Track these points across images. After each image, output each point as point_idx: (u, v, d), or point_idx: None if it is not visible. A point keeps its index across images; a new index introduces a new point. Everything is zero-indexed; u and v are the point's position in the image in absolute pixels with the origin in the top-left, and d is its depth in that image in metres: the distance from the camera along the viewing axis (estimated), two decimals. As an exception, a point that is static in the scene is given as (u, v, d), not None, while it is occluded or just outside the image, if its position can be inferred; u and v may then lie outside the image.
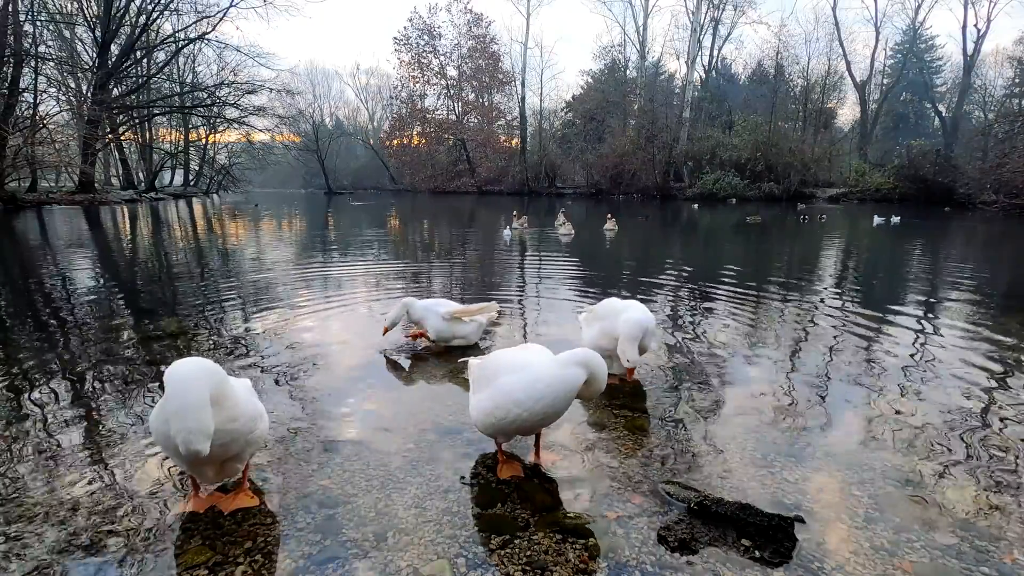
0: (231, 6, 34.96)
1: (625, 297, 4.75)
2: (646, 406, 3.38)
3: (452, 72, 56.12)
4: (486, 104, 57.45)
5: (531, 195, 46.04)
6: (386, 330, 4.42)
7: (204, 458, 2.08)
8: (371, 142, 69.62)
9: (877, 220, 18.87)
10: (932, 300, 6.78)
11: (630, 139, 43.81)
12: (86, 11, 32.82)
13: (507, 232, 13.58)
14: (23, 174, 29.48)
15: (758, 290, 7.20)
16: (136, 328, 5.14)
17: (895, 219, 19.09)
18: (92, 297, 6.62)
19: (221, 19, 35.07)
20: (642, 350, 3.59)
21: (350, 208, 29.60)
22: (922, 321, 5.64)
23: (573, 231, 13.90)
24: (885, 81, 48.96)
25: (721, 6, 46.73)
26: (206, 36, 36.20)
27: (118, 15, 32.65)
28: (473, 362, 2.77)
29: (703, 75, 50.25)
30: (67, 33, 32.44)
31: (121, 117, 37.08)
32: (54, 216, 21.13)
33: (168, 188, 45.93)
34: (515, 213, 14.91)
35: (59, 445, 2.79)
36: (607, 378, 2.55)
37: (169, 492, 2.39)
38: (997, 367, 4.16)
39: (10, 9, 25.28)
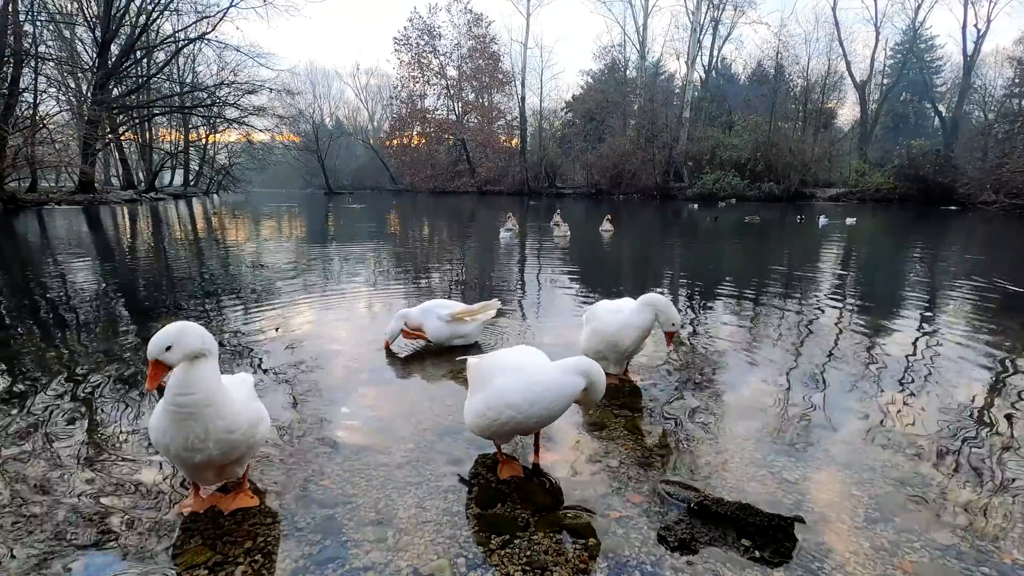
0: (231, 6, 34.99)
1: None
2: (646, 406, 3.38)
3: (452, 72, 56.15)
4: (486, 104, 57.40)
5: (531, 195, 46.02)
6: (387, 344, 4.41)
7: (203, 463, 2.08)
8: (371, 142, 69.59)
9: (823, 222, 18.92)
10: (931, 300, 6.78)
11: (630, 139, 43.81)
12: (86, 11, 32.85)
13: (504, 234, 13.46)
14: (23, 174, 29.49)
15: (757, 289, 7.20)
16: (136, 328, 5.14)
17: (850, 220, 19.02)
18: (92, 297, 6.62)
19: (221, 19, 35.11)
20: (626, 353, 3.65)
21: (351, 210, 29.52)
22: (921, 321, 5.64)
23: (569, 232, 13.88)
24: (885, 81, 48.95)
25: (721, 6, 46.73)
26: (206, 36, 36.21)
27: (118, 15, 32.64)
28: (471, 361, 2.75)
29: (703, 75, 50.26)
30: (67, 33, 32.44)
31: (121, 117, 37.07)
32: (54, 216, 21.13)
33: (168, 188, 45.92)
34: (508, 215, 14.88)
35: (59, 445, 2.79)
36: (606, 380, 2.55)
37: (169, 492, 2.39)
38: (997, 367, 4.16)
39: (10, 9, 25.27)
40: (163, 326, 2.02)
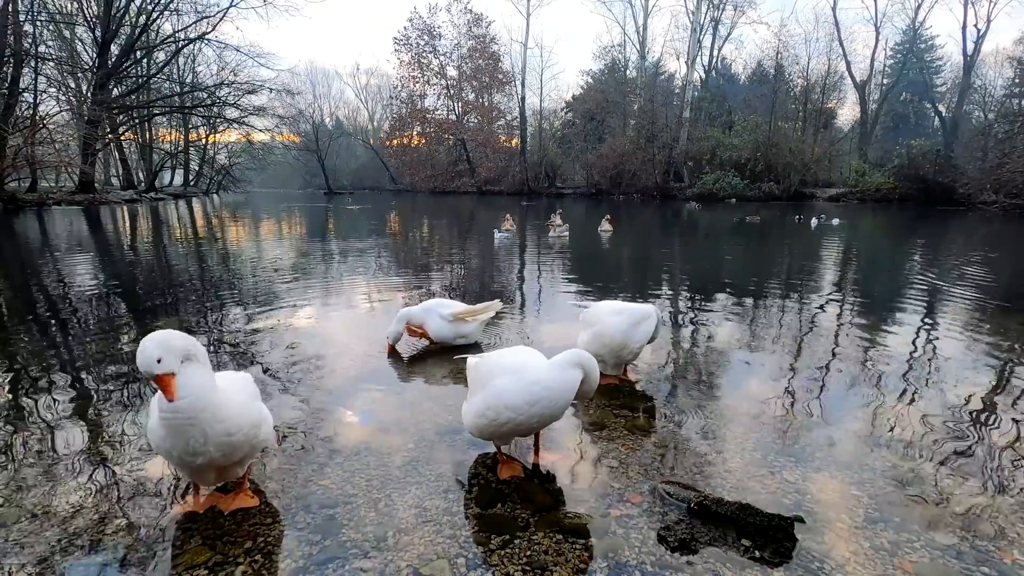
0: (231, 6, 34.95)
1: (624, 298, 4.74)
2: (646, 406, 3.38)
3: (452, 72, 56.05)
4: (486, 104, 57.32)
5: (529, 195, 46.01)
6: (389, 347, 4.39)
7: (205, 465, 2.08)
8: (371, 142, 69.57)
9: (815, 222, 19.09)
10: (931, 300, 6.78)
11: (630, 139, 43.78)
12: (86, 11, 32.80)
13: (499, 235, 13.35)
14: (23, 174, 29.46)
15: (756, 288, 7.20)
16: (136, 328, 5.14)
17: (835, 221, 19.32)
18: (92, 297, 6.62)
19: (221, 19, 35.05)
20: (625, 354, 3.63)
21: (350, 212, 29.49)
22: (921, 321, 5.64)
23: (567, 232, 13.88)
24: (885, 81, 48.89)
25: (721, 6, 46.67)
26: (206, 36, 36.17)
27: (118, 15, 32.62)
28: (471, 361, 2.74)
29: (703, 75, 50.19)
30: (67, 33, 32.43)
31: (121, 117, 37.04)
32: (54, 216, 21.13)
33: (168, 188, 45.91)
34: (506, 216, 14.87)
35: (59, 445, 2.79)
36: (603, 378, 2.54)
37: (169, 492, 2.39)
38: (996, 367, 4.16)
39: (10, 9, 25.26)
40: (160, 328, 2.01)
